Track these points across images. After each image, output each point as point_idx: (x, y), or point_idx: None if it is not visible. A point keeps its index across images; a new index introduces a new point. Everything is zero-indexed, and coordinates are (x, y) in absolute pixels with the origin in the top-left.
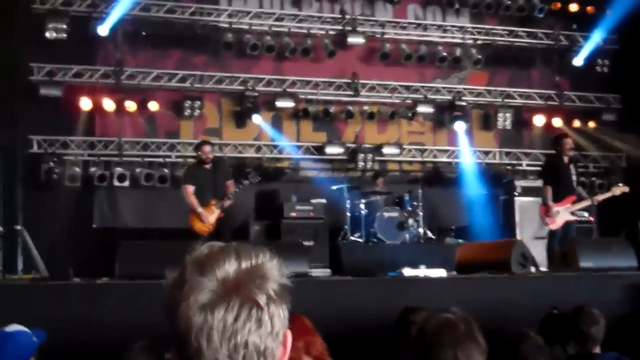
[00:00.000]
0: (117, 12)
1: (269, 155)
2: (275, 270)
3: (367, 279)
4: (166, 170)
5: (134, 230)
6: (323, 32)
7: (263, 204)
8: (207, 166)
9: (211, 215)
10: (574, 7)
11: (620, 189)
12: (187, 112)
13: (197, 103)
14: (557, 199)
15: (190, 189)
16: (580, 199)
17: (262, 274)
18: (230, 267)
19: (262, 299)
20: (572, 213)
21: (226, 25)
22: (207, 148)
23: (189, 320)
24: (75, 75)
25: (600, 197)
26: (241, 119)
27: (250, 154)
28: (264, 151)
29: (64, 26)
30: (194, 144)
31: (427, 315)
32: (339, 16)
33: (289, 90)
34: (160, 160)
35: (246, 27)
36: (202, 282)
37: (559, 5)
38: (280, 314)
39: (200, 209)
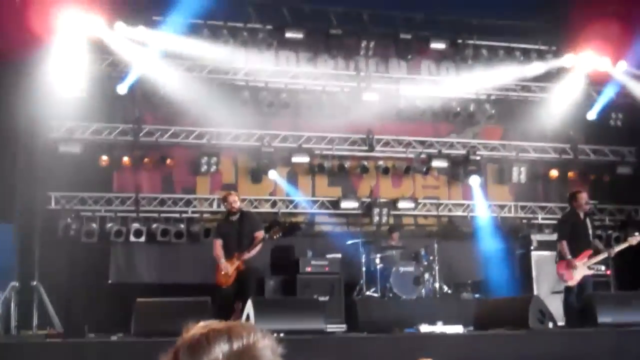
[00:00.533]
0: (135, 72)
1: (284, 210)
2: (267, 350)
3: (383, 335)
4: (182, 226)
5: (149, 286)
6: (338, 89)
7: (278, 259)
8: (234, 218)
9: (230, 267)
10: (586, 63)
11: (636, 239)
12: (203, 169)
13: (214, 159)
14: (574, 254)
15: (218, 242)
16: (596, 252)
17: (254, 355)
18: (221, 351)
19: None
20: (590, 267)
21: (243, 83)
22: (232, 198)
23: None
24: (94, 133)
25: (617, 249)
26: (257, 174)
27: (266, 208)
28: (280, 206)
29: (84, 85)
30: (214, 198)
31: None
32: (354, 73)
33: (304, 145)
34: (177, 215)
35: (262, 84)
36: None
37: (571, 60)
38: None
39: (223, 260)
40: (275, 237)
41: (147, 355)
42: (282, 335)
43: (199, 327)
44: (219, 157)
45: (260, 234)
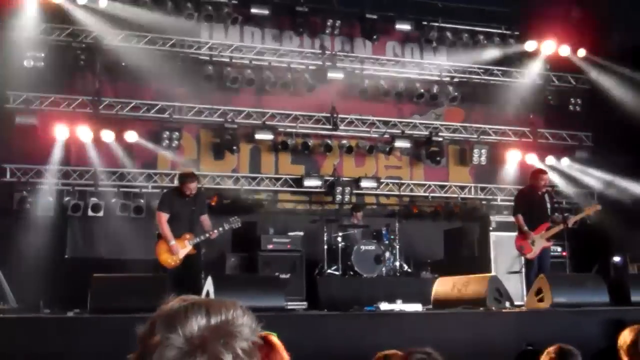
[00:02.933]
0: (96, 43)
1: (247, 187)
2: (246, 328)
3: (343, 313)
4: (142, 201)
5: (107, 261)
6: (303, 67)
7: (240, 236)
8: (187, 198)
9: (182, 250)
10: (547, 48)
11: (592, 208)
12: (165, 143)
13: (176, 134)
14: (531, 227)
15: (165, 217)
16: (554, 224)
17: (230, 331)
18: (198, 324)
19: (228, 358)
20: (548, 239)
21: (207, 58)
22: (193, 185)
23: None
24: (52, 104)
25: (574, 219)
26: (220, 150)
27: (228, 185)
28: (242, 183)
29: (42, 55)
30: (175, 174)
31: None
32: (319, 51)
33: (268, 123)
34: (137, 190)
35: (227, 60)
36: (169, 338)
37: (533, 45)
38: None
39: (173, 242)
40: (235, 226)
41: (104, 331)
42: None
43: (178, 300)
44: (181, 132)
45: (206, 217)
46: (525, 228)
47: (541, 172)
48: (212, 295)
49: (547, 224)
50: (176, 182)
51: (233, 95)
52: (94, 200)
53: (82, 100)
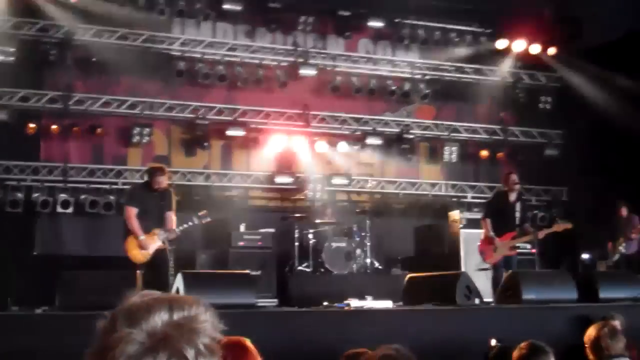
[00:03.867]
0: (67, 38)
1: (218, 183)
2: (208, 324)
3: (313, 310)
4: (112, 197)
5: (76, 258)
6: (275, 63)
7: (211, 233)
8: (156, 193)
9: (152, 245)
10: (518, 46)
11: (562, 226)
12: (135, 139)
13: (147, 130)
14: (497, 234)
15: (133, 211)
16: (523, 234)
17: (193, 327)
18: (160, 319)
19: (190, 354)
20: (512, 248)
21: (178, 54)
22: (162, 179)
23: None
24: (22, 99)
25: (542, 234)
26: (191, 147)
27: (199, 182)
28: (213, 179)
29: (12, 49)
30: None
31: (369, 356)
32: (292, 48)
33: (239, 119)
34: (106, 187)
35: (199, 55)
36: (130, 334)
37: (505, 43)
38: None
39: (143, 237)
40: (204, 221)
41: (72, 329)
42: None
43: (140, 295)
44: (152, 128)
45: (171, 214)
46: (491, 233)
47: (509, 173)
48: (181, 292)
49: (513, 232)
50: (145, 177)
51: (205, 91)
52: (63, 196)
53: (53, 95)
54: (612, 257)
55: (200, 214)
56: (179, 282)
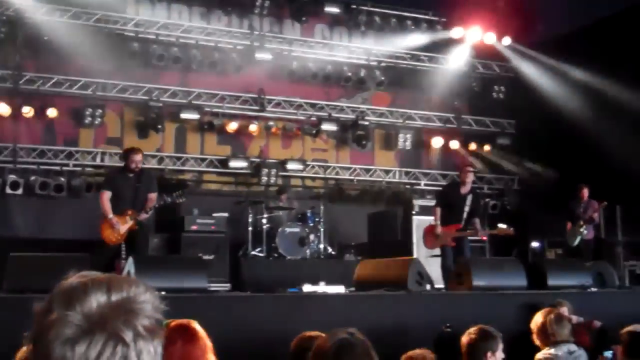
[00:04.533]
0: (17, 15)
1: (171, 167)
2: (148, 305)
3: (266, 294)
4: (63, 179)
5: (26, 241)
6: (231, 47)
7: (163, 217)
8: (131, 174)
9: (123, 225)
10: (473, 36)
11: (504, 231)
12: (87, 120)
13: (99, 111)
14: (444, 223)
15: (106, 194)
16: (468, 228)
17: (132, 308)
18: (97, 301)
19: (128, 336)
20: (453, 239)
21: (132, 34)
22: (138, 157)
23: (49, 353)
24: None
25: (484, 234)
26: (144, 129)
27: (152, 165)
28: (167, 163)
29: None
30: (97, 152)
31: (323, 338)
32: (248, 32)
33: (194, 102)
34: (57, 168)
35: (153, 37)
36: (67, 315)
37: (460, 32)
38: (150, 351)
39: (111, 216)
40: (178, 201)
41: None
42: (163, 293)
43: (78, 276)
44: (104, 110)
45: (154, 195)
46: (438, 222)
47: (467, 169)
48: (132, 277)
49: (459, 225)
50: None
51: (159, 73)
52: (12, 177)
53: (2, 74)
54: (572, 240)
55: (175, 194)
56: (129, 266)
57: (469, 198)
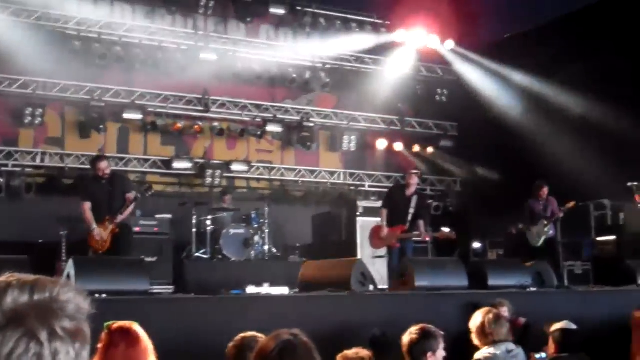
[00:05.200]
0: None
1: (114, 167)
2: (71, 306)
3: (209, 297)
4: (1, 180)
5: None
6: (175, 46)
7: None
8: (103, 181)
9: (105, 231)
10: (417, 39)
11: (446, 234)
12: (27, 120)
13: (39, 111)
14: (390, 224)
15: (87, 205)
16: (413, 230)
17: (51, 308)
18: (18, 299)
19: (43, 334)
20: (397, 240)
21: (74, 33)
22: (103, 165)
23: None
24: None
25: (428, 237)
26: (86, 129)
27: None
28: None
29: None
30: (37, 152)
31: (265, 339)
32: (192, 31)
33: (137, 102)
34: None
35: (95, 35)
36: None
37: (404, 35)
38: (69, 353)
39: (94, 226)
40: (147, 194)
41: None
42: (104, 296)
43: (6, 277)
44: (45, 109)
45: (131, 195)
46: (384, 223)
47: (412, 172)
48: (73, 278)
49: (403, 227)
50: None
51: (101, 72)
52: None
53: None
54: (536, 240)
55: (142, 188)
56: (70, 268)
57: (414, 200)
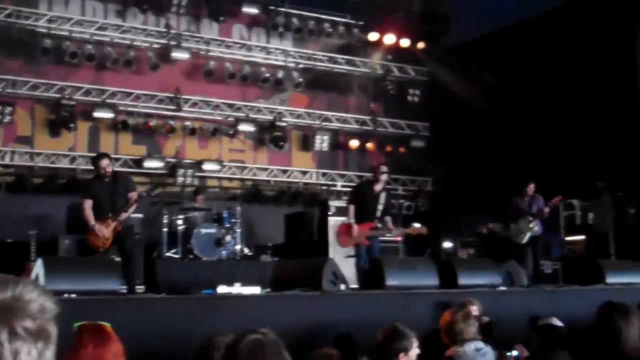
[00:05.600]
0: None
1: (83, 166)
2: (33, 305)
3: (180, 296)
4: None
5: None
6: (147, 45)
7: (75, 217)
8: (106, 179)
9: (107, 229)
10: (389, 39)
11: (417, 230)
12: None
13: (8, 109)
14: (358, 221)
15: (87, 203)
16: (382, 228)
17: (13, 308)
18: None
19: (3, 334)
20: (367, 237)
21: (45, 31)
22: (104, 162)
23: None
24: None
25: (398, 234)
26: (56, 128)
27: (64, 164)
28: (79, 162)
29: None
30: (7, 151)
31: (234, 338)
32: (164, 30)
33: (108, 101)
34: None
35: (66, 33)
36: None
37: (376, 36)
38: (32, 353)
39: (93, 223)
40: (151, 194)
41: None
42: (74, 296)
43: None
44: (14, 107)
45: (134, 194)
46: (352, 220)
47: (381, 167)
48: (42, 278)
49: (372, 224)
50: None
51: (72, 70)
52: None
53: None
54: (521, 237)
55: (149, 187)
56: (38, 268)
57: (382, 196)
